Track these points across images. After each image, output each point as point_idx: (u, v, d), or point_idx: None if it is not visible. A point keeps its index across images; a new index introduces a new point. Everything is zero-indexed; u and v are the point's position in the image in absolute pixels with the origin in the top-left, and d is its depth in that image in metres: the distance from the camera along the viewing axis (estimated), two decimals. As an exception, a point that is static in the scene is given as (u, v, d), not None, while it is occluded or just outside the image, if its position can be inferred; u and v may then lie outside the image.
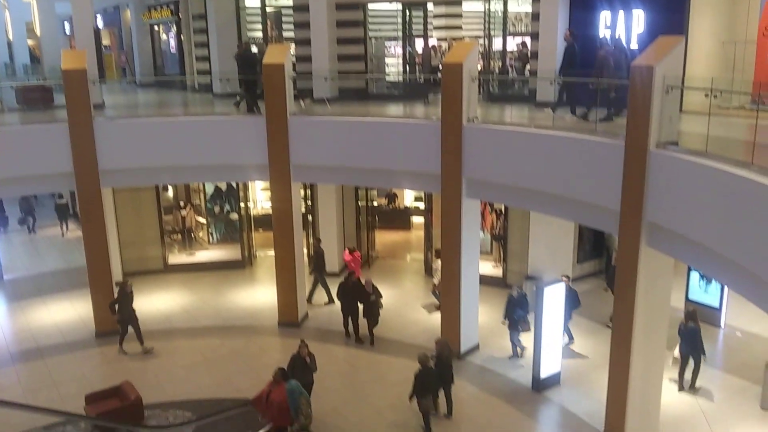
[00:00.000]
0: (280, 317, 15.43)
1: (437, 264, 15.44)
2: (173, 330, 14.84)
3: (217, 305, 16.62)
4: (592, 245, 17.75)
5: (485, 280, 15.37)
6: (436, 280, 15.71)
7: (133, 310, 13.92)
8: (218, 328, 15.36)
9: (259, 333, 15.13)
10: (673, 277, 10.49)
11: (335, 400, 12.28)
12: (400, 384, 12.18)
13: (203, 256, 19.60)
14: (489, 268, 17.68)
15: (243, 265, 19.16)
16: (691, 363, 12.12)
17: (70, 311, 16.21)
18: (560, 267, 15.55)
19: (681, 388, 12.20)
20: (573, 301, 13.59)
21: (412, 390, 11.08)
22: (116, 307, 13.73)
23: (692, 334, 11.94)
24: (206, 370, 13.50)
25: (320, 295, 16.58)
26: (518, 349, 13.53)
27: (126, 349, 14.01)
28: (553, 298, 12.18)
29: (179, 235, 19.77)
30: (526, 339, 13.29)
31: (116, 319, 13.84)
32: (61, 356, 14.09)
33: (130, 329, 13.96)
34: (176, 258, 19.32)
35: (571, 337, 14.04)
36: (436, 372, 11.17)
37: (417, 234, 20.89)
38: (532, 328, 12.77)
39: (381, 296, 14.33)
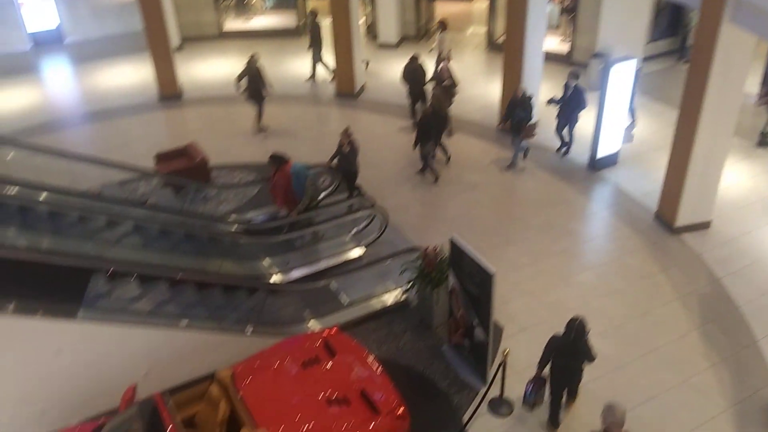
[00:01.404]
0: (337, 88, 15.38)
1: (440, 35, 15.22)
2: (231, 97, 14.78)
3: (274, 73, 16.48)
4: (669, 22, 16.54)
5: (550, 57, 14.75)
6: (435, 51, 15.43)
7: (263, 85, 13.54)
8: (276, 96, 15.39)
9: (317, 103, 15.23)
10: (751, 60, 9.77)
11: (390, 171, 12.60)
12: (455, 156, 12.49)
13: (258, 23, 19.18)
14: (555, 44, 16.86)
15: (299, 32, 18.74)
16: None
17: (133, 75, 16.46)
18: (632, 44, 14.66)
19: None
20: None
21: (415, 138, 11.96)
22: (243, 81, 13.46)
23: None
24: (267, 136, 13.87)
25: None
26: (519, 157, 12.64)
27: (263, 127, 14.05)
28: (620, 76, 11.65)
29: (233, 0, 19.22)
30: (585, 123, 12.93)
31: (245, 95, 13.65)
32: (128, 118, 14.63)
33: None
34: (231, 24, 18.96)
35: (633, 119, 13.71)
36: (434, 121, 11.98)
37: (479, 6, 19.75)
38: (537, 134, 12.39)
39: (456, 84, 13.87)
